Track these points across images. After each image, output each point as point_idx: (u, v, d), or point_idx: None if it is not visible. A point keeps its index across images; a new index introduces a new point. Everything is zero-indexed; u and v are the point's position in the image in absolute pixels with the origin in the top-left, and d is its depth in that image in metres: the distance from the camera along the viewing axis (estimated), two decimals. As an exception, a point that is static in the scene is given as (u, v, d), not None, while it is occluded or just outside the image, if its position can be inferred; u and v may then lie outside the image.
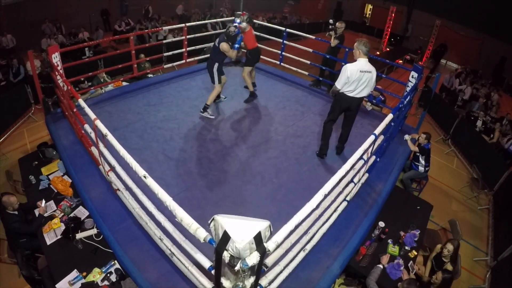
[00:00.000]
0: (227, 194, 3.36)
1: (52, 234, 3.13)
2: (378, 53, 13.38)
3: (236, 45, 4.41)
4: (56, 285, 2.70)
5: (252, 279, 1.77)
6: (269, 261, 1.99)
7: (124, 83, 5.64)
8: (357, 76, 3.45)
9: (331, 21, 5.44)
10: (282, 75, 6.15)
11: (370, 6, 16.64)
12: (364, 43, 3.48)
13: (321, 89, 5.79)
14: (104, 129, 2.68)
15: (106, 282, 2.76)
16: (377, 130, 2.93)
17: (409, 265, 3.26)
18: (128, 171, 2.62)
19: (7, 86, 6.78)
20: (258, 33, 6.63)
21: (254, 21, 7.90)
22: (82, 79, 5.68)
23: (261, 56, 5.29)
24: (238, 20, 4.68)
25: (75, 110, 3.43)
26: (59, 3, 10.47)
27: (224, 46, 4.30)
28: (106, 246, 2.95)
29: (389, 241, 3.44)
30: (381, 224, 3.51)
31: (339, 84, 3.56)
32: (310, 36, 6.00)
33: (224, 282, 1.78)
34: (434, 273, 3.15)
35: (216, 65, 4.43)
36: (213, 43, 4.49)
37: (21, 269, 3.00)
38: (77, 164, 3.59)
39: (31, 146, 5.47)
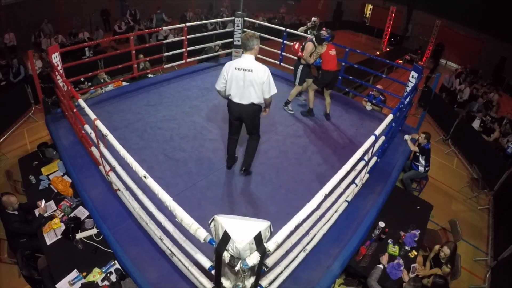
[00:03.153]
0: (227, 194, 3.36)
1: (52, 234, 3.13)
2: (378, 53, 13.38)
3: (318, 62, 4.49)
4: (56, 285, 2.69)
5: (252, 279, 1.77)
6: (269, 261, 1.99)
7: (124, 83, 5.65)
8: (231, 75, 2.91)
9: (314, 18, 5.67)
10: (282, 75, 6.15)
11: (370, 6, 16.65)
12: (244, 35, 2.92)
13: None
14: (104, 129, 2.68)
15: (106, 282, 2.76)
16: (378, 131, 2.93)
17: (412, 265, 3.26)
18: (128, 171, 2.62)
19: (7, 86, 6.78)
20: (258, 33, 6.66)
21: (254, 21, 7.86)
22: (82, 79, 5.68)
23: (261, 56, 5.26)
24: (327, 35, 4.54)
25: (75, 110, 3.43)
26: (59, 3, 10.46)
27: (307, 45, 4.42)
28: (106, 246, 2.95)
29: (389, 241, 3.44)
30: (381, 224, 3.51)
31: (217, 84, 3.06)
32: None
33: (224, 282, 1.78)
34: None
35: (301, 67, 4.57)
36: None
37: (21, 269, 2.99)
38: (77, 164, 3.60)
39: (31, 146, 5.46)
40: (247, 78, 2.88)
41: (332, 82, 4.76)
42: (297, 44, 4.85)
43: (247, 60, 2.90)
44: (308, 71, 4.70)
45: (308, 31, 5.63)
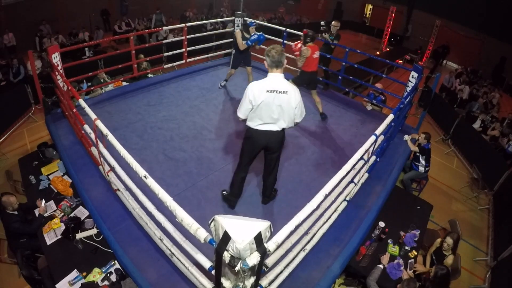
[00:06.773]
0: (227, 194, 3.35)
1: (52, 234, 3.13)
2: (378, 53, 13.38)
3: (248, 42, 4.64)
4: (56, 285, 2.69)
5: (252, 279, 1.77)
6: (269, 261, 1.99)
7: (124, 83, 5.64)
8: (263, 99, 2.40)
9: (322, 23, 5.61)
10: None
11: (370, 6, 16.65)
12: (269, 50, 2.37)
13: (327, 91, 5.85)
14: (104, 129, 2.68)
15: (106, 282, 2.76)
16: (378, 131, 2.94)
17: (409, 261, 3.27)
18: (128, 171, 2.61)
19: (7, 86, 6.78)
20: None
21: (256, 21, 7.84)
22: (84, 80, 5.66)
23: (261, 56, 5.29)
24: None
25: (75, 110, 3.43)
26: (59, 3, 10.47)
27: (236, 33, 4.73)
28: (106, 246, 2.95)
29: (389, 241, 3.44)
30: (381, 224, 3.51)
31: (240, 112, 2.54)
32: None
33: (225, 282, 1.78)
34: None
35: (234, 51, 5.03)
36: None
37: (21, 269, 2.99)
38: (77, 164, 3.59)
39: (31, 146, 5.46)
40: (281, 101, 2.40)
41: (312, 83, 4.72)
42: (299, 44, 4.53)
43: (279, 80, 2.41)
44: (243, 57, 4.96)
45: (327, 35, 5.61)
